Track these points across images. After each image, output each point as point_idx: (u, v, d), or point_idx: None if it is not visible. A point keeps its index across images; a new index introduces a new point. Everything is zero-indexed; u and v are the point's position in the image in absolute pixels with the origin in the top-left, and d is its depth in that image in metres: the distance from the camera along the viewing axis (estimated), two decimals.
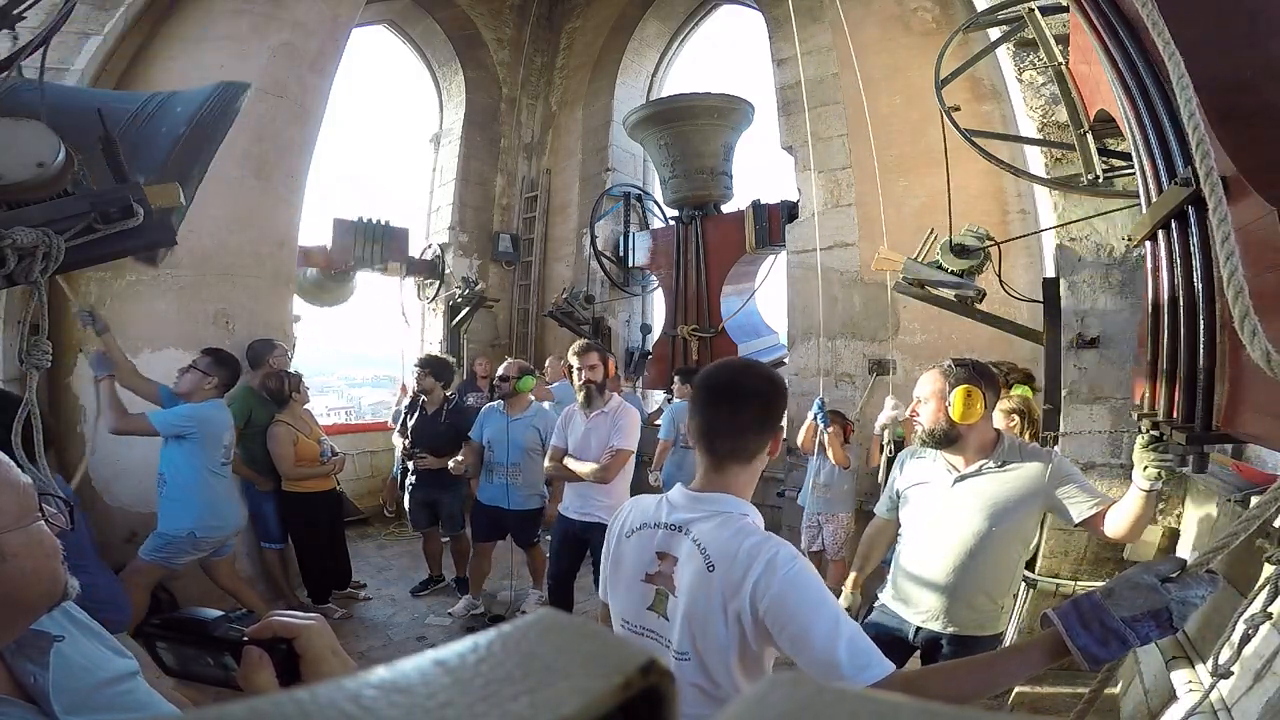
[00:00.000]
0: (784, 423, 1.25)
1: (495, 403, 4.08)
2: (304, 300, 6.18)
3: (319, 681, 0.63)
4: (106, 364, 3.22)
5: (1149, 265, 1.46)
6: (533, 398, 4.07)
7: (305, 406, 4.23)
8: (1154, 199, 1.38)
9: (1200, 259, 1.22)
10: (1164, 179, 1.33)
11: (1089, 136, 2.61)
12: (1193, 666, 2.08)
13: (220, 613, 0.68)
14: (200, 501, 3.21)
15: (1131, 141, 1.54)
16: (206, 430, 3.24)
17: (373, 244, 6.34)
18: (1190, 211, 1.24)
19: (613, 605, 1.34)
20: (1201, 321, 1.22)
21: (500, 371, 4.02)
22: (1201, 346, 1.22)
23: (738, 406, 1.23)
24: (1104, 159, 2.67)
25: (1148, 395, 1.44)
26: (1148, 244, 1.47)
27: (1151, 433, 1.51)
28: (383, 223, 6.43)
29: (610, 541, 1.40)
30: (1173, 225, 1.31)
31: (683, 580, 1.19)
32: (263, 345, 4.21)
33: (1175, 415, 1.31)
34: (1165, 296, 1.35)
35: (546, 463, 3.55)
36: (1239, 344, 1.13)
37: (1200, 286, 1.22)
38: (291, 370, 4.24)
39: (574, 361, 3.37)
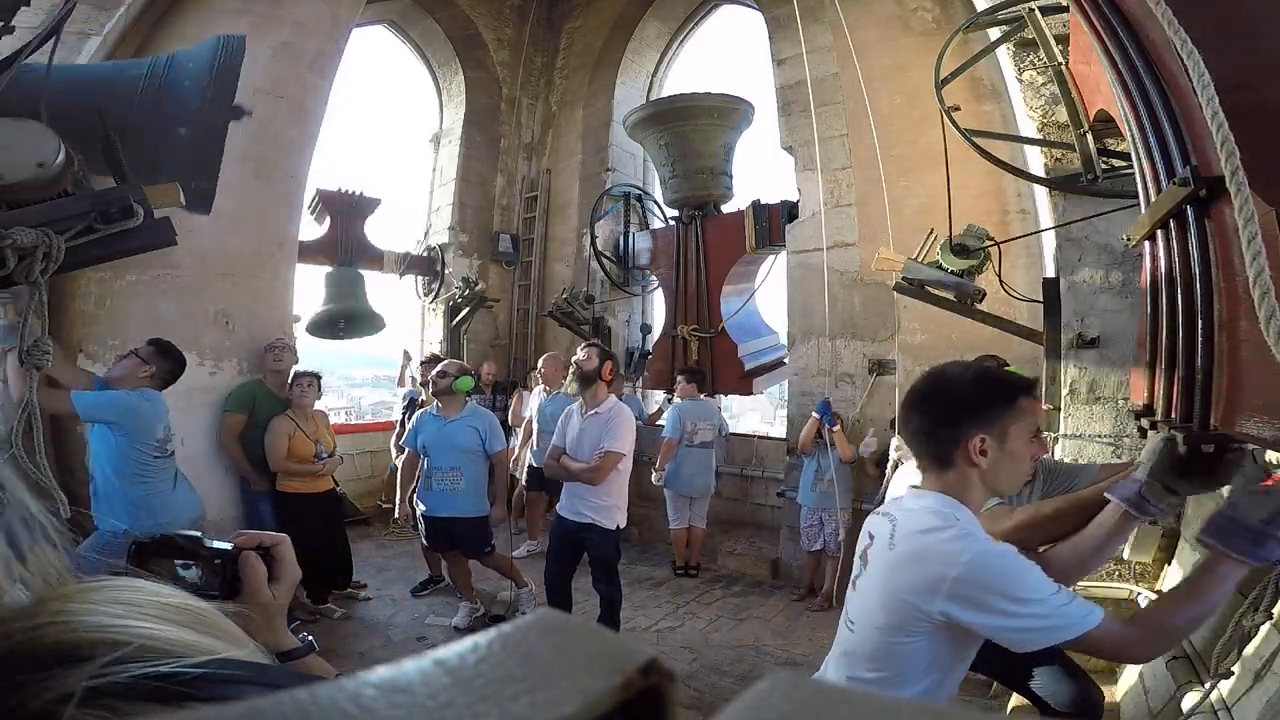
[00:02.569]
0: (987, 428, 1.24)
1: (429, 406, 4.01)
2: (324, 338, 6.13)
3: (289, 576, 0.77)
4: (10, 336, 2.92)
5: (1147, 265, 1.46)
6: (469, 399, 3.97)
7: (319, 409, 4.27)
8: (1153, 199, 1.38)
9: (1199, 259, 1.22)
10: (1163, 179, 1.33)
11: (1089, 136, 2.61)
12: (1193, 666, 2.09)
13: (198, 534, 0.81)
14: (129, 499, 2.94)
15: (1131, 141, 1.54)
16: (134, 421, 2.96)
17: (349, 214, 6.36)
18: (1189, 211, 1.24)
19: None
20: (1200, 321, 1.22)
21: (438, 369, 3.93)
22: (1200, 346, 1.21)
23: (911, 413, 1.31)
24: (1104, 159, 2.67)
25: (1146, 395, 1.45)
26: (1146, 244, 1.47)
27: (1151, 432, 1.51)
28: (358, 193, 6.45)
29: None
30: (1171, 225, 1.31)
31: (873, 553, 1.28)
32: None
33: (1174, 415, 1.31)
34: (1164, 297, 1.35)
35: (547, 460, 3.54)
36: (1238, 343, 1.13)
37: (1199, 286, 1.22)
38: (310, 370, 4.26)
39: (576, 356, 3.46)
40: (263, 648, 0.75)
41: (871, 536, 1.31)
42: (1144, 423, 1.50)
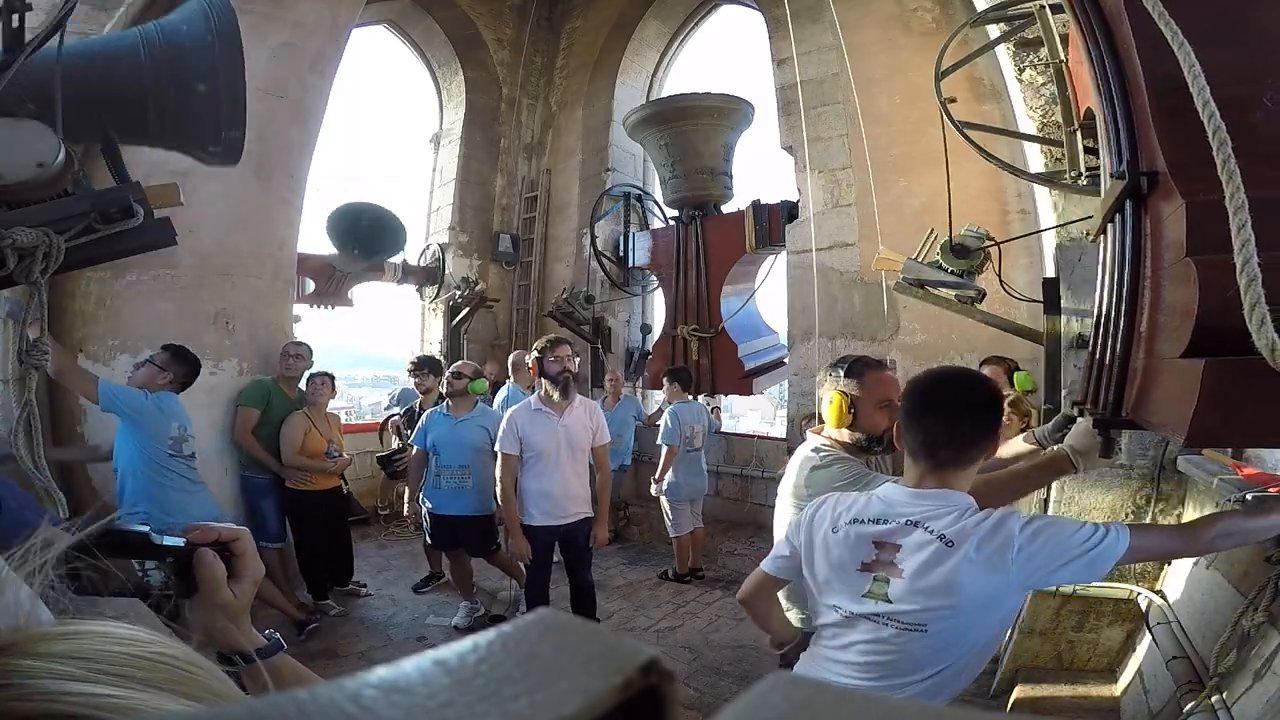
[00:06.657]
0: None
1: (438, 406, 4.05)
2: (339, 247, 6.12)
3: (251, 572, 0.68)
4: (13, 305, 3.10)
5: (1100, 260, 1.50)
6: (477, 398, 4.02)
7: (330, 411, 4.39)
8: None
9: (1131, 254, 1.24)
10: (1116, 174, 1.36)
11: (1078, 134, 2.62)
12: (1193, 666, 2.08)
13: (146, 528, 0.72)
14: (146, 495, 3.10)
15: (1100, 138, 1.56)
16: (145, 419, 3.14)
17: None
18: (1127, 206, 1.26)
19: (823, 594, 1.41)
20: (1124, 316, 1.26)
21: (452, 369, 3.99)
22: (1121, 337, 1.26)
23: (940, 419, 1.34)
24: (1096, 157, 2.68)
25: (1084, 384, 1.52)
26: (1101, 239, 1.49)
27: (1080, 419, 1.59)
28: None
29: (809, 535, 1.45)
30: (1117, 220, 1.33)
31: (910, 564, 1.29)
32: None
33: (1097, 403, 1.38)
34: (1104, 290, 1.39)
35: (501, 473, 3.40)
36: (1156, 335, 1.16)
37: (1128, 281, 1.25)
38: (325, 370, 4.30)
39: (553, 354, 3.33)
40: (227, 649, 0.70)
41: (893, 545, 1.31)
42: (1074, 410, 1.57)
